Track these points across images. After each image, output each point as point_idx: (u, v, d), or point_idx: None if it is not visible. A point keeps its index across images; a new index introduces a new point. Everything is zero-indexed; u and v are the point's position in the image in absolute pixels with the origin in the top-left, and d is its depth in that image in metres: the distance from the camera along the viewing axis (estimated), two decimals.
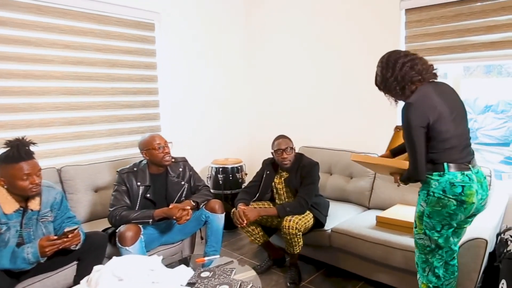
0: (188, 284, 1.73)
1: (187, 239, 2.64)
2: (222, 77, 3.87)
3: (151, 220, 2.19)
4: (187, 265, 2.02)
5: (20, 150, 1.82)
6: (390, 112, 3.07)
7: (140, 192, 2.33)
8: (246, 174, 3.53)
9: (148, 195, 2.34)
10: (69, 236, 1.84)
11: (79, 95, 2.85)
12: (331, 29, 3.36)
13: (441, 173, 1.61)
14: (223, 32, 3.83)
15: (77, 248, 1.94)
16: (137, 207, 2.32)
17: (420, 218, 1.70)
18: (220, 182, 3.36)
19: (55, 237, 1.81)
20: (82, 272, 2.03)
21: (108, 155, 3.06)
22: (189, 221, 2.42)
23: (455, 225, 1.66)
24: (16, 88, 2.53)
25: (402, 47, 2.96)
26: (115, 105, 3.08)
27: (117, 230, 2.17)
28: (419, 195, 1.72)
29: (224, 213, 2.47)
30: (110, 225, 2.39)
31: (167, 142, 2.42)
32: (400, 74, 1.67)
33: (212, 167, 3.43)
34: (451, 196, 1.59)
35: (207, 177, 3.48)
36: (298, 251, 2.45)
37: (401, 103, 1.73)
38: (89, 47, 2.87)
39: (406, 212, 2.48)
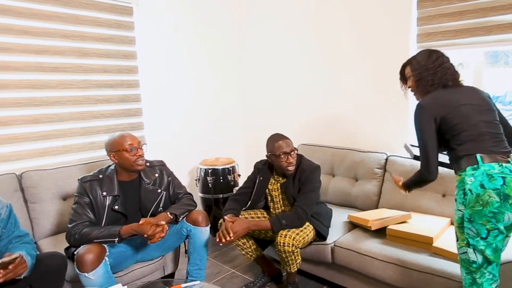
0: None
1: (170, 252, 2.30)
2: (211, 68, 3.48)
3: (117, 239, 1.83)
4: None
5: None
6: (396, 106, 2.70)
7: (107, 204, 1.97)
8: (239, 175, 3.17)
9: (116, 207, 1.98)
10: (10, 267, 1.50)
11: (44, 88, 2.48)
12: (328, 14, 2.95)
13: (475, 166, 1.44)
14: (211, 19, 3.41)
15: (22, 277, 1.59)
16: (103, 222, 1.96)
17: (460, 227, 1.47)
18: (210, 185, 3.00)
19: None
20: None
21: (82, 157, 2.71)
22: (168, 236, 2.07)
23: (503, 229, 1.41)
24: None
25: (413, 30, 2.57)
26: (89, 100, 2.71)
27: (75, 252, 1.81)
28: (455, 199, 1.52)
29: (209, 225, 2.12)
30: None
31: (141, 144, 2.06)
32: (440, 73, 1.63)
33: (200, 168, 3.07)
34: (491, 191, 1.39)
35: (196, 180, 3.13)
36: (295, 269, 2.10)
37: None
38: (55, 33, 2.49)
39: (421, 223, 2.13)
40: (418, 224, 2.13)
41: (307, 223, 2.14)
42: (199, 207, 3.17)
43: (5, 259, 1.48)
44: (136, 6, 2.89)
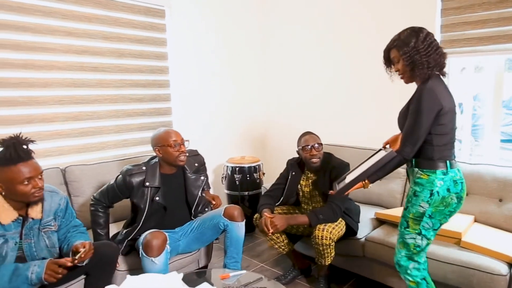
0: None
1: (203, 247, 2.40)
2: (236, 70, 3.59)
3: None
4: (208, 280, 1.77)
5: (18, 149, 1.56)
6: None
7: (149, 195, 2.07)
8: (263, 174, 3.28)
9: (157, 198, 2.08)
10: (81, 252, 1.60)
11: (84, 87, 2.59)
12: (351, 15, 3.08)
13: (445, 171, 1.59)
14: (236, 22, 3.54)
15: (84, 263, 1.69)
16: (145, 212, 2.06)
17: (417, 220, 1.64)
18: (237, 182, 3.10)
19: (67, 263, 1.57)
20: None
21: (117, 153, 2.81)
22: (205, 229, 2.21)
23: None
24: (14, 79, 2.27)
25: (437, 37, 2.67)
26: (124, 98, 2.81)
27: (142, 237, 1.94)
28: (416, 195, 1.63)
29: (245, 220, 2.22)
30: (118, 232, 2.16)
31: (184, 140, 2.16)
32: (433, 53, 1.58)
33: (227, 166, 3.17)
34: (453, 194, 1.60)
35: (222, 177, 3.23)
36: (329, 262, 2.20)
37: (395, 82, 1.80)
38: (95, 34, 2.60)
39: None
40: None
41: (340, 219, 2.24)
42: (225, 203, 3.26)
43: (81, 250, 1.60)
44: (168, 9, 3.00)
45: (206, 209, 2.34)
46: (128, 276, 1.53)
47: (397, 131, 2.43)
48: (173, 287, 1.50)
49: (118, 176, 2.08)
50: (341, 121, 3.28)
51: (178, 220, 2.22)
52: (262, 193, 3.12)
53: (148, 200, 2.07)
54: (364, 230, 2.38)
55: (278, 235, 2.35)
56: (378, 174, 1.71)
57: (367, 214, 2.59)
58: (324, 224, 2.11)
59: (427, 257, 1.75)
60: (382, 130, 3.00)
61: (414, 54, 1.56)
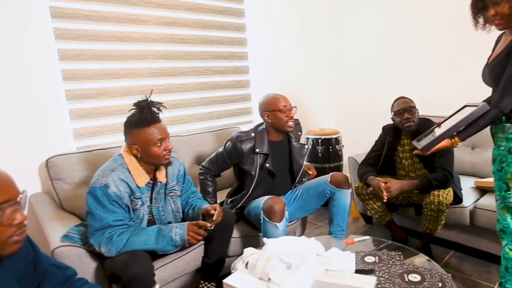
0: (361, 271, 1.45)
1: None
2: (309, 44, 3.50)
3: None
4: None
5: (151, 111, 1.58)
6: None
7: (259, 162, 2.04)
8: (343, 146, 3.20)
9: (267, 165, 2.05)
10: (214, 216, 1.62)
11: (173, 59, 2.59)
12: None
13: None
14: None
15: (213, 227, 1.70)
16: (255, 178, 2.04)
17: None
18: (320, 154, 3.05)
19: (207, 224, 1.59)
20: (211, 253, 1.83)
21: (202, 126, 2.82)
22: (310, 198, 2.16)
23: None
24: (114, 51, 2.29)
25: None
26: (208, 71, 2.80)
27: (262, 202, 1.92)
28: (511, 152, 1.43)
29: (351, 188, 2.17)
30: (222, 201, 2.18)
31: (292, 106, 2.09)
32: None
33: (309, 138, 3.12)
34: None
35: None
36: (440, 229, 2.13)
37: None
38: (181, 5, 2.58)
39: None
40: None
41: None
42: None
43: (213, 213, 1.62)
44: None
45: (304, 179, 2.31)
46: (265, 239, 1.52)
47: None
48: (315, 250, 1.48)
49: (226, 143, 2.07)
50: (431, 89, 3.11)
51: (283, 188, 2.20)
52: (345, 165, 3.06)
53: (258, 167, 2.04)
54: (467, 198, 2.27)
55: (380, 204, 2.29)
56: (470, 131, 1.52)
57: (463, 184, 2.48)
58: (437, 190, 2.03)
59: None
60: (476, 94, 2.85)
61: None
